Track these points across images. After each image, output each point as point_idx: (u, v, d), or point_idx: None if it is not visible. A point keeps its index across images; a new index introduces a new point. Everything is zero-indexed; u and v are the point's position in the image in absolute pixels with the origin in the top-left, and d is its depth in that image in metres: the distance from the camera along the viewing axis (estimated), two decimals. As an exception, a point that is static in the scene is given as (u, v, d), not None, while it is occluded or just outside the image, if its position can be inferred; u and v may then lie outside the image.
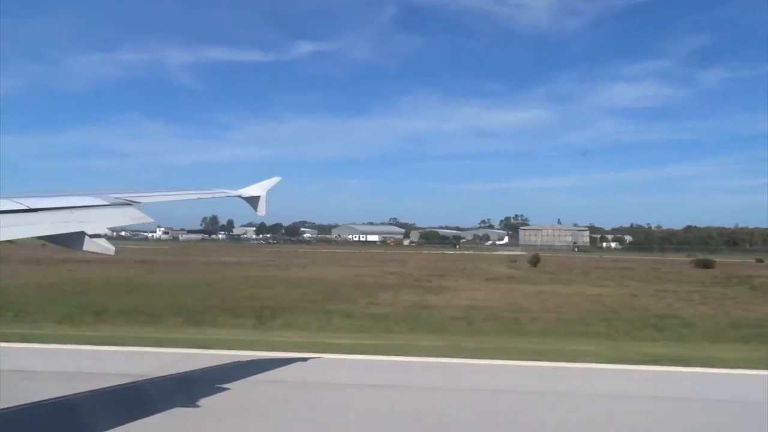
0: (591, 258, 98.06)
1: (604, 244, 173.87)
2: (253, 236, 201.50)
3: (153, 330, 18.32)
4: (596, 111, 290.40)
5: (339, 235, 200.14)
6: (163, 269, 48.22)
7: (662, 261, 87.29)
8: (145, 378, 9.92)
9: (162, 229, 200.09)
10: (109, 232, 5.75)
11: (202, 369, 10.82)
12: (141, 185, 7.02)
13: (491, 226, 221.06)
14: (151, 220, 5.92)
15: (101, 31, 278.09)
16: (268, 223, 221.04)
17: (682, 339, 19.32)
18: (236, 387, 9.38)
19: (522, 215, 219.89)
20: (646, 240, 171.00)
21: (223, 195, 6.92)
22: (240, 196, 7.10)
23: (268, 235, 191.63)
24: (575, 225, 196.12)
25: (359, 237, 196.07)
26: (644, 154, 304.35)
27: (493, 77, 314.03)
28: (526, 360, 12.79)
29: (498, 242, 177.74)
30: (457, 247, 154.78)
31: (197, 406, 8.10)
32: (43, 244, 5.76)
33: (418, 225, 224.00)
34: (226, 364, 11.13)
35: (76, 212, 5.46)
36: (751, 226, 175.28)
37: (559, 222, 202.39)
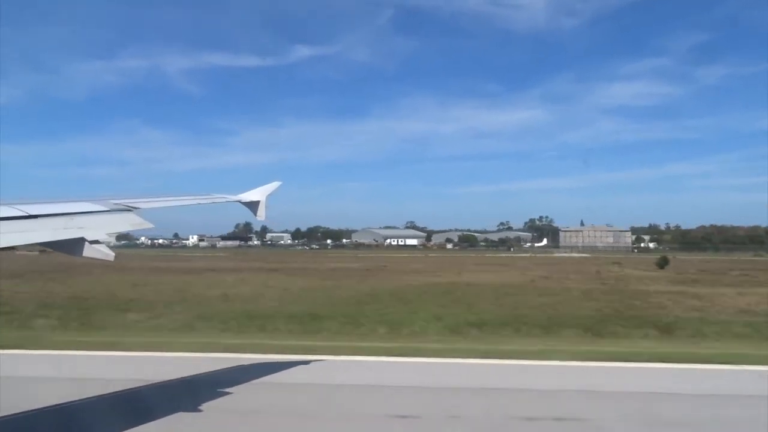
0: (686, 260, 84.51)
1: (642, 245, 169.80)
2: (288, 242, 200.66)
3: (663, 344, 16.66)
4: (595, 111, 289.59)
5: (375, 240, 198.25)
6: (333, 278, 45.20)
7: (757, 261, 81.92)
8: None
9: (197, 236, 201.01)
10: (108, 239, 5.76)
11: None
12: (141, 192, 7.03)
13: (510, 228, 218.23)
14: (151, 225, 5.93)
15: (100, 39, 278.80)
16: (282, 228, 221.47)
17: None
18: None
19: (546, 216, 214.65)
20: (685, 239, 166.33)
21: (223, 200, 6.94)
22: (240, 201, 7.12)
23: (305, 240, 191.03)
24: (608, 225, 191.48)
25: (396, 241, 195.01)
26: (644, 153, 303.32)
27: (490, 78, 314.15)
28: None
29: (537, 244, 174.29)
30: (512, 249, 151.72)
31: None
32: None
33: (435, 228, 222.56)
34: None
35: (76, 218, 5.48)
36: (752, 224, 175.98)
37: (581, 223, 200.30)
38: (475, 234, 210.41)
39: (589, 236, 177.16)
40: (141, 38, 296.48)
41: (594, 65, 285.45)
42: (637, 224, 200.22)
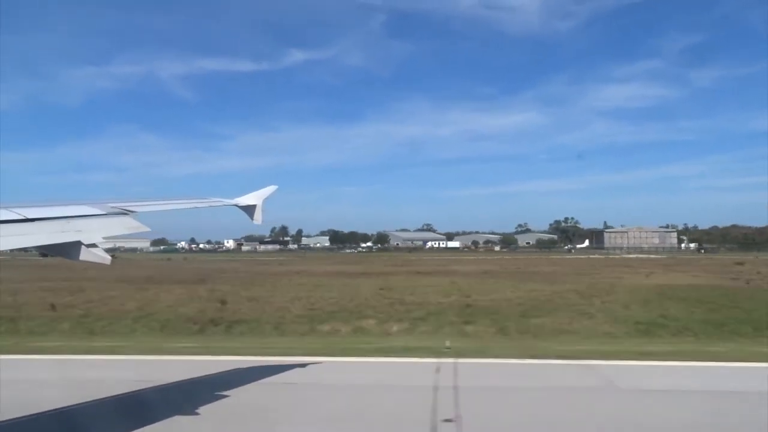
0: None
1: (683, 245, 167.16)
2: (325, 245, 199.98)
3: None
4: (590, 113, 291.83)
5: (412, 242, 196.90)
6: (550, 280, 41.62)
7: None
8: None
9: (232, 240, 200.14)
10: (104, 242, 5.76)
11: None
12: (138, 196, 7.03)
13: (528, 230, 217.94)
14: (147, 229, 5.94)
15: (95, 45, 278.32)
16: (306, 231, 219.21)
17: None
18: None
19: (572, 218, 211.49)
20: (724, 240, 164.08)
21: (220, 204, 6.95)
22: (236, 205, 7.13)
23: (363, 245, 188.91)
24: (662, 226, 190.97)
25: (438, 244, 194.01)
26: (639, 154, 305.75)
27: (486, 81, 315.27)
28: None
29: (579, 246, 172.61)
30: (572, 251, 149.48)
31: None
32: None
33: (447, 231, 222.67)
34: None
35: (73, 222, 5.48)
36: (750, 224, 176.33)
37: (605, 224, 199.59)
38: (498, 235, 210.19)
39: (634, 237, 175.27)
40: (136, 44, 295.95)
41: (589, 67, 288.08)
42: (672, 224, 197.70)
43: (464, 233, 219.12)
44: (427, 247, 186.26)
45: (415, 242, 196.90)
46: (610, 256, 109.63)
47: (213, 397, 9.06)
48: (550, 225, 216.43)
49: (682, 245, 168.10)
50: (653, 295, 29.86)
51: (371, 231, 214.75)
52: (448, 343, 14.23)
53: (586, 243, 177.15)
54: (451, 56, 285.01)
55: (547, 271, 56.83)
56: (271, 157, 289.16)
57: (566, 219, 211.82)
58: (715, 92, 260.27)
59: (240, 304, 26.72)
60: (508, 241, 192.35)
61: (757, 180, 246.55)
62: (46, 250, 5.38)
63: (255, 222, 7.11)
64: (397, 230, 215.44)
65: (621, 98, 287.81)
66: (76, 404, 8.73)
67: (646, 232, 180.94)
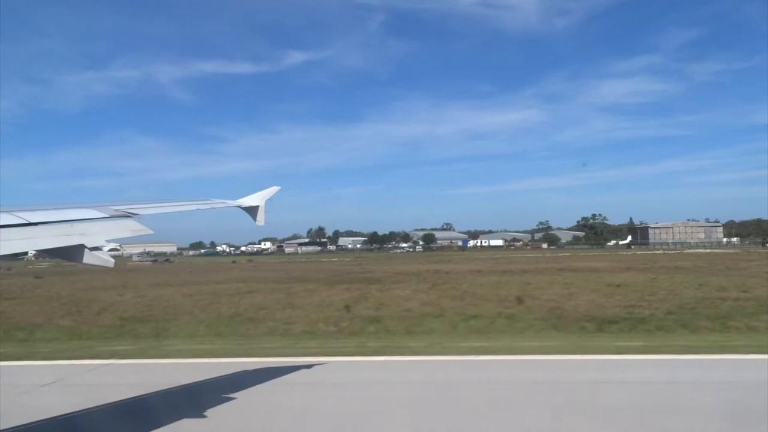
0: None
1: (725, 240, 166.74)
2: (358, 246, 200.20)
3: None
4: (590, 109, 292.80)
5: (450, 242, 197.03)
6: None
7: None
8: None
9: (269, 242, 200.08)
10: (107, 245, 5.73)
11: None
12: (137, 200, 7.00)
13: (549, 228, 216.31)
14: (150, 232, 5.91)
15: (92, 50, 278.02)
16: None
17: None
18: None
19: (600, 214, 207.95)
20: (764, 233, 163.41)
21: (222, 205, 6.92)
22: (239, 206, 7.10)
23: (405, 245, 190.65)
24: (708, 220, 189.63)
25: (481, 242, 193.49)
26: (639, 150, 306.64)
27: (484, 79, 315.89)
28: None
29: (620, 242, 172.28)
30: (632, 247, 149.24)
31: None
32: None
33: (469, 230, 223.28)
34: None
35: (76, 225, 5.45)
36: (751, 218, 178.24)
37: (630, 220, 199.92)
38: (521, 234, 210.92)
39: (679, 232, 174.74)
40: (134, 48, 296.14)
41: (588, 64, 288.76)
42: (693, 218, 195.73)
43: (483, 232, 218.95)
44: (470, 245, 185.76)
45: (453, 241, 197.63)
46: (668, 252, 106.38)
47: None
48: (578, 222, 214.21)
49: (724, 240, 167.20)
50: None
51: (381, 231, 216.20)
52: None
53: (629, 239, 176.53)
54: (449, 55, 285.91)
55: (687, 266, 54.52)
56: (270, 159, 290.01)
57: (593, 215, 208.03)
58: (715, 86, 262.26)
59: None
60: (550, 239, 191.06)
61: (758, 174, 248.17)
62: (50, 254, 5.35)
63: (258, 223, 7.08)
64: (414, 230, 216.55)
65: (620, 94, 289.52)
66: None
67: (692, 227, 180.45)
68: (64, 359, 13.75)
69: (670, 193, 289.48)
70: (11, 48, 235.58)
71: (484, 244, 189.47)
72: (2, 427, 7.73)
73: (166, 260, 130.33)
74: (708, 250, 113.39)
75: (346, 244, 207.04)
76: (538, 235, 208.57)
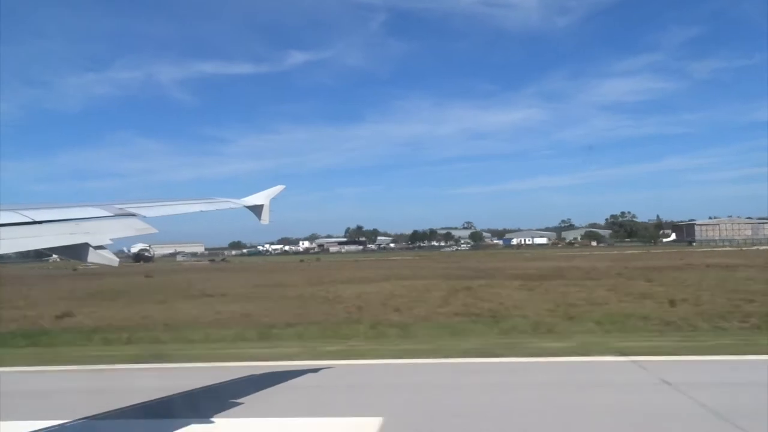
0: None
1: None
2: (391, 245, 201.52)
3: None
4: (591, 107, 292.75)
5: (491, 240, 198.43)
6: None
7: None
8: None
9: (307, 242, 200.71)
10: (111, 243, 5.71)
11: None
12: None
13: (572, 226, 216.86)
14: (155, 230, 5.88)
15: (93, 52, 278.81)
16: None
17: None
18: None
19: (629, 212, 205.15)
20: None
21: (227, 205, 6.89)
22: (244, 205, 7.08)
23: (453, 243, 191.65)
24: (750, 217, 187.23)
25: (524, 240, 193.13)
26: (641, 148, 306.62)
27: (485, 78, 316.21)
28: None
29: (665, 239, 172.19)
30: (693, 244, 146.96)
31: None
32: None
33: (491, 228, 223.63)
34: None
35: (81, 224, 5.43)
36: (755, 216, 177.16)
37: (657, 217, 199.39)
38: (541, 231, 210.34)
39: (725, 230, 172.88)
40: (134, 49, 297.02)
41: (589, 62, 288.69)
42: (715, 216, 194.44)
43: (499, 231, 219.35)
44: (513, 243, 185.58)
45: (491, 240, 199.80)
46: (723, 249, 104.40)
47: None
48: (606, 220, 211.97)
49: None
50: None
51: (396, 230, 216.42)
52: None
53: (673, 236, 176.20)
54: (450, 54, 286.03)
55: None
56: (272, 160, 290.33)
57: (622, 213, 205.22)
58: (716, 84, 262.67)
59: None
60: (593, 236, 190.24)
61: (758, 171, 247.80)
62: (53, 252, 5.33)
63: (262, 222, 7.05)
64: (428, 229, 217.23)
65: (623, 92, 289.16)
66: None
67: (738, 223, 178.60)
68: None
69: (672, 191, 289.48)
70: (11, 49, 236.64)
71: (528, 242, 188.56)
72: None
73: (223, 260, 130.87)
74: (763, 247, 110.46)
75: (386, 243, 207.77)
76: (566, 234, 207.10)
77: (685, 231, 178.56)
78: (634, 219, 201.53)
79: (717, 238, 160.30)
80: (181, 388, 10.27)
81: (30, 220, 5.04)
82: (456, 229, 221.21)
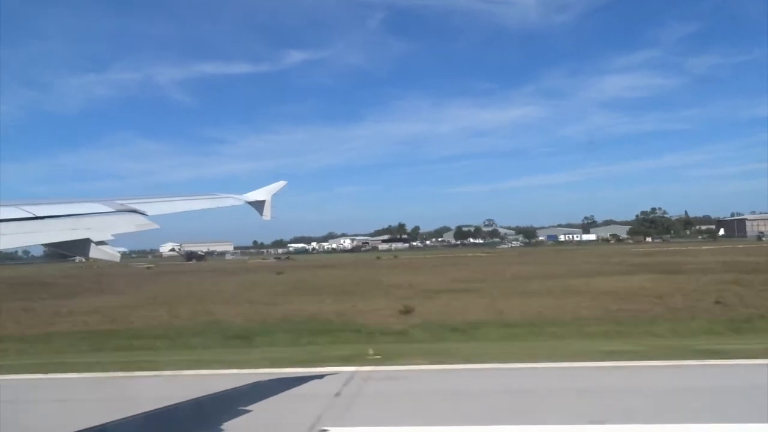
0: None
1: None
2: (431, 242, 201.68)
3: None
4: (590, 104, 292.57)
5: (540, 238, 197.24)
6: None
7: None
8: None
9: (348, 239, 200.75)
10: (113, 239, 5.68)
11: None
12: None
13: (593, 222, 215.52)
14: (156, 226, 5.86)
15: (92, 53, 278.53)
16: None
17: None
18: None
19: (659, 208, 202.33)
20: None
21: (229, 201, 6.87)
22: (246, 201, 7.06)
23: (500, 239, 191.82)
24: None
25: (571, 237, 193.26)
26: (643, 144, 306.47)
27: (484, 76, 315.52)
28: None
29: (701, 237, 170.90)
30: (764, 239, 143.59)
31: None
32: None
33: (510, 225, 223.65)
34: None
35: (82, 219, 5.42)
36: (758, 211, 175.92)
37: (686, 213, 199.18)
38: (562, 228, 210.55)
39: None
40: (133, 50, 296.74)
41: (587, 59, 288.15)
42: (738, 212, 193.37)
43: (540, 228, 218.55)
44: (561, 240, 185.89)
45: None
46: None
47: None
48: (636, 216, 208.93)
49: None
50: None
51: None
52: None
53: (722, 231, 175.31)
54: (449, 53, 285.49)
55: None
56: (271, 160, 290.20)
57: (653, 209, 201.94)
58: (714, 80, 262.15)
59: None
60: (638, 232, 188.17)
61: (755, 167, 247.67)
62: (55, 248, 5.31)
63: (264, 218, 7.03)
64: (443, 226, 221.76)
65: (622, 88, 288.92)
66: None
67: None
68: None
69: (671, 186, 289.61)
70: (11, 51, 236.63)
71: (576, 238, 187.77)
72: None
73: (287, 258, 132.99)
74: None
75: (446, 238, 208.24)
76: (594, 230, 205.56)
77: (736, 226, 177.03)
78: (665, 215, 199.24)
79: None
80: None
81: (32, 216, 5.03)
82: (469, 226, 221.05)
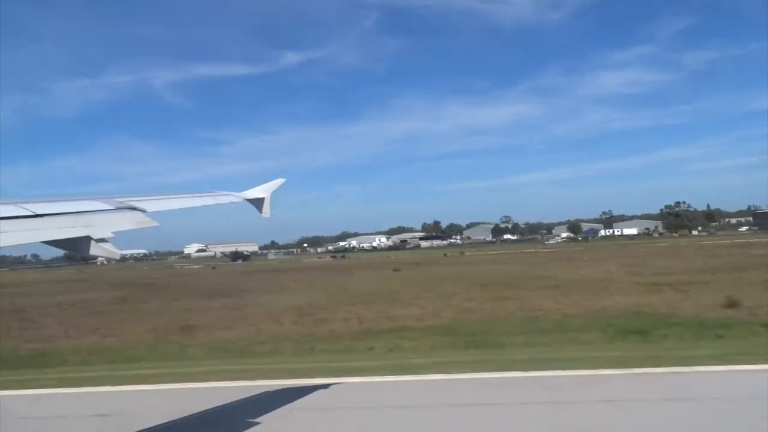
0: None
1: None
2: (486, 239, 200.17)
3: None
4: (586, 101, 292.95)
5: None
6: None
7: None
8: None
9: (384, 237, 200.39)
10: (113, 236, 5.70)
11: None
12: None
13: (612, 217, 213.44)
14: (156, 224, 5.87)
15: (86, 57, 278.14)
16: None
17: None
18: None
19: (684, 202, 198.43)
20: None
21: (228, 199, 6.89)
22: (245, 199, 7.08)
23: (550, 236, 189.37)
24: None
25: (610, 231, 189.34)
26: (642, 139, 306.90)
27: (480, 75, 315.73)
28: None
29: (740, 229, 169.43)
30: None
31: None
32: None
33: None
34: None
35: (82, 217, 5.43)
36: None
37: (708, 207, 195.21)
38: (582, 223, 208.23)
39: None
40: (128, 53, 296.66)
41: (583, 56, 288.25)
42: (756, 206, 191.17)
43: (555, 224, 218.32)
44: (600, 235, 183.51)
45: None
46: None
47: None
48: (661, 210, 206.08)
49: None
50: None
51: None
52: None
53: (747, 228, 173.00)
54: (445, 51, 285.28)
55: None
56: (269, 160, 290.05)
57: (678, 203, 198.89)
58: (710, 75, 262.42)
59: None
60: (678, 226, 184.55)
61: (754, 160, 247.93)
62: (55, 246, 5.32)
63: (263, 215, 7.03)
64: (451, 224, 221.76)
65: (617, 85, 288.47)
66: None
67: None
68: None
69: (665, 181, 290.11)
70: (5, 56, 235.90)
71: (617, 233, 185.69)
72: None
73: (342, 257, 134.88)
74: None
75: (476, 236, 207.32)
76: (617, 225, 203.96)
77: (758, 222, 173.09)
78: (690, 209, 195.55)
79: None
80: None
81: (31, 214, 5.03)
82: (484, 223, 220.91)
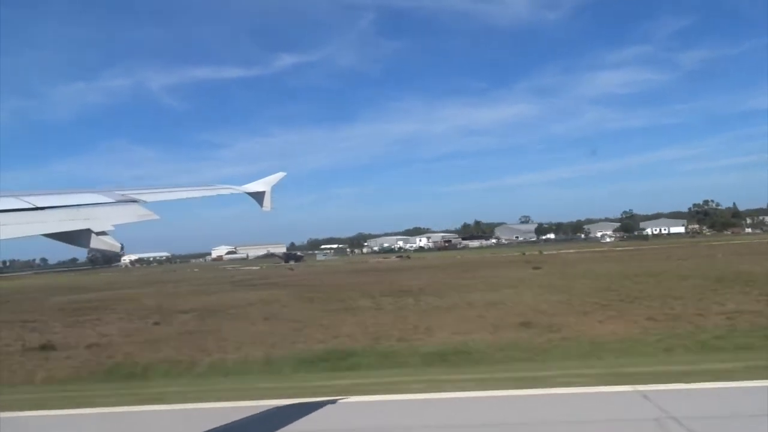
0: None
1: None
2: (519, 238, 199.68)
3: None
4: (583, 101, 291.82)
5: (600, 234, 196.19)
6: None
7: None
8: None
9: (425, 237, 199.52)
10: (113, 229, 5.69)
11: None
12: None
13: (632, 216, 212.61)
14: (156, 217, 5.87)
15: (83, 61, 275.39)
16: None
17: None
18: None
19: (712, 200, 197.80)
20: None
21: (228, 191, 6.88)
22: (245, 192, 7.06)
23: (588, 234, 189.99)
24: None
25: (659, 230, 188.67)
26: (640, 139, 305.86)
27: (477, 75, 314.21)
28: None
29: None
30: None
31: None
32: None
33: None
34: None
35: (82, 210, 5.43)
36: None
37: (734, 205, 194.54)
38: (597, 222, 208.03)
39: None
40: (124, 56, 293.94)
41: (579, 55, 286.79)
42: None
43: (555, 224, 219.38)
44: (647, 233, 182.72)
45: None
46: None
47: None
48: (689, 209, 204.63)
49: None
50: None
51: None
52: None
53: None
54: (441, 52, 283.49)
55: None
56: (268, 163, 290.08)
57: (706, 201, 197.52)
58: (706, 74, 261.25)
59: None
60: (725, 224, 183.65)
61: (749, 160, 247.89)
62: (55, 238, 5.33)
63: (264, 209, 7.01)
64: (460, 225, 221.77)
65: (615, 84, 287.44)
66: None
67: None
68: None
69: (666, 181, 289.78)
70: (2, 60, 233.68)
71: (664, 231, 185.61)
72: None
73: (407, 257, 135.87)
74: None
75: (512, 236, 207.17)
76: (644, 224, 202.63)
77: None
78: (718, 207, 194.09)
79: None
80: None
81: (32, 206, 5.04)
82: (500, 224, 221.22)
